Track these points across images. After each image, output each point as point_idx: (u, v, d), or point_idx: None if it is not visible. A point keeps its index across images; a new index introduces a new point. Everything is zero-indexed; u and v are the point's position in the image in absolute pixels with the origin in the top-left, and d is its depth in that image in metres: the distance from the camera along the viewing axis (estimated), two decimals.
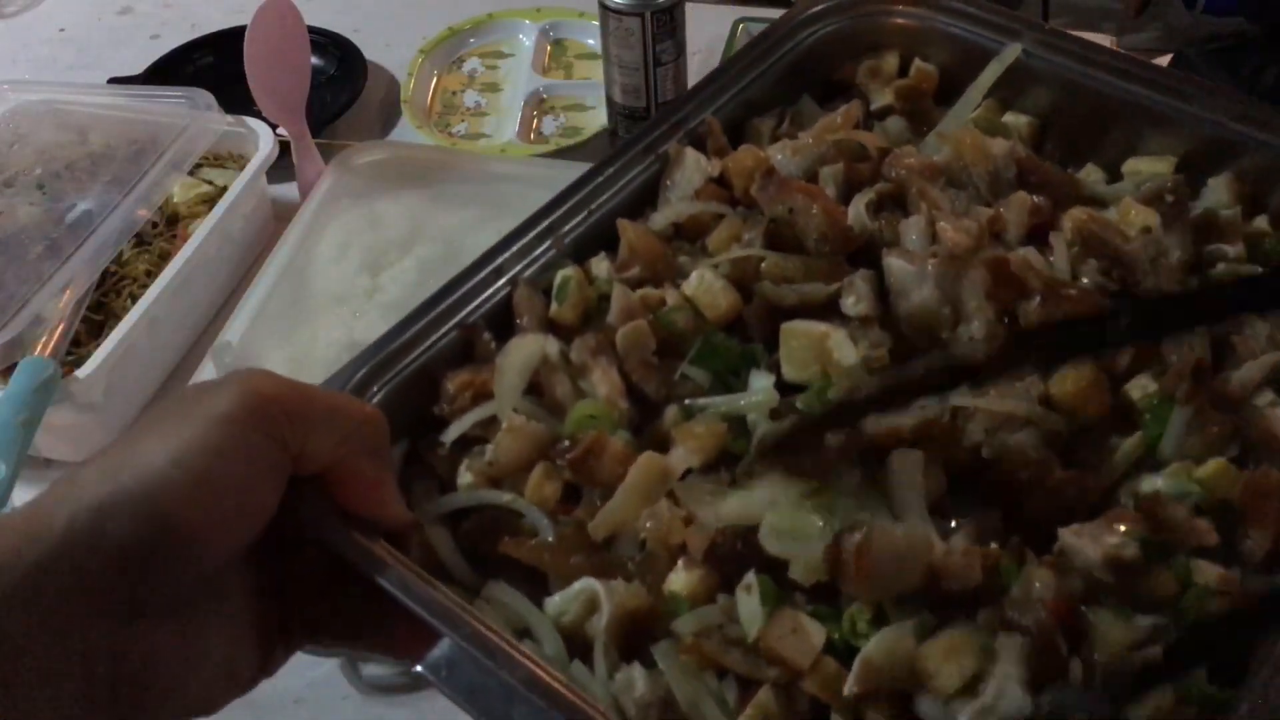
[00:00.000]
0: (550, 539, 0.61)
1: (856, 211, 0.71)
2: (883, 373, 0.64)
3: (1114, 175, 0.78)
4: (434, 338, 0.67)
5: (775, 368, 0.67)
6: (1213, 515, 0.57)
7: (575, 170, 1.11)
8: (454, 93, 1.40)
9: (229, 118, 1.20)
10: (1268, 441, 0.60)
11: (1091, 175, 0.78)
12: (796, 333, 0.66)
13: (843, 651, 0.56)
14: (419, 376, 0.66)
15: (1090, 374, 0.63)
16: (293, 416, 0.53)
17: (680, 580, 0.58)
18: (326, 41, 1.43)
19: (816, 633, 0.55)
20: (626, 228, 0.71)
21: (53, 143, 1.18)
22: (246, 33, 1.17)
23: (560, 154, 1.26)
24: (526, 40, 1.44)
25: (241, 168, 1.17)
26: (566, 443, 0.62)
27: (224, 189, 1.16)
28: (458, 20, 1.46)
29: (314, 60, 1.29)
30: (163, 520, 0.49)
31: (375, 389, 0.65)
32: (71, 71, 1.55)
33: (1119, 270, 0.68)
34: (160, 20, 1.63)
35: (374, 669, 0.89)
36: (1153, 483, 0.60)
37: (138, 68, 1.45)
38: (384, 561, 0.55)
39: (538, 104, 1.35)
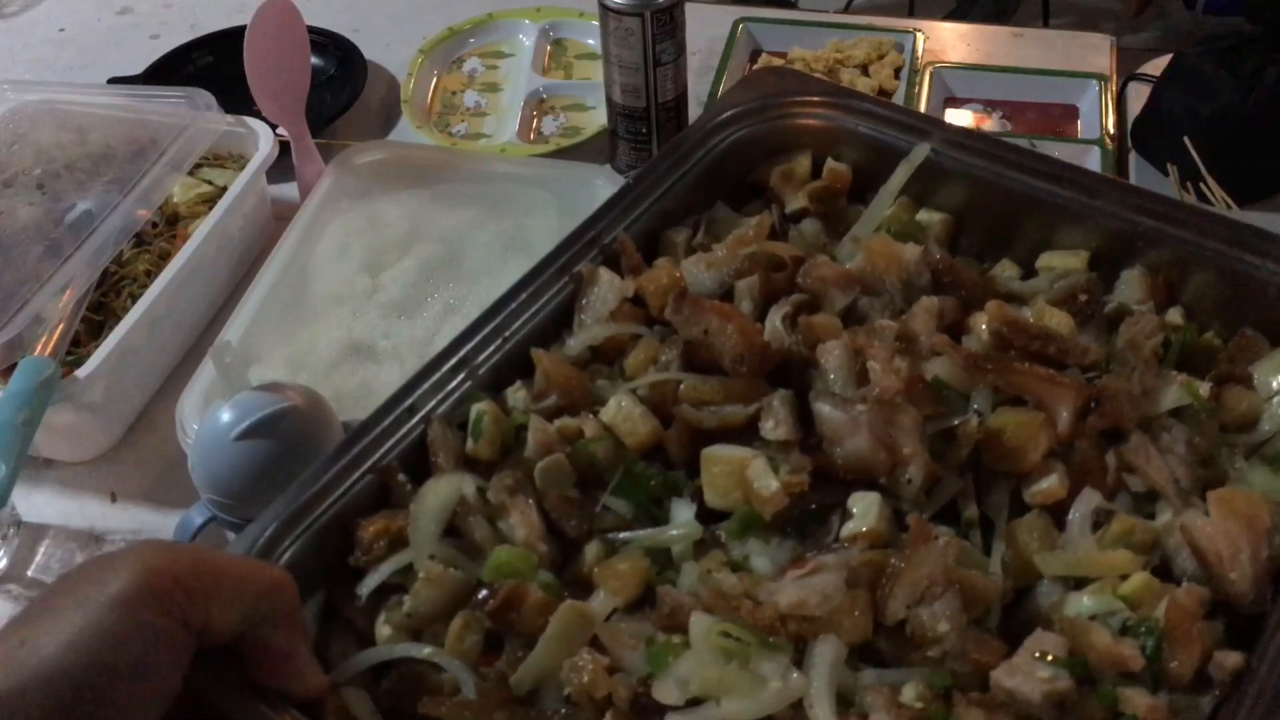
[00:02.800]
0: (471, 696, 0.59)
1: (773, 326, 0.71)
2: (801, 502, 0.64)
3: (1029, 270, 0.78)
4: (347, 484, 0.65)
5: (697, 494, 0.66)
6: (1136, 634, 0.57)
7: (575, 170, 1.15)
8: (454, 93, 1.40)
9: (229, 118, 1.20)
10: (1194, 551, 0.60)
11: (1006, 271, 0.78)
12: (717, 459, 0.65)
13: None
14: (333, 526, 0.64)
15: (1032, 419, 0.64)
16: (192, 592, 0.52)
17: None
18: (326, 41, 1.43)
19: None
20: (541, 358, 0.70)
21: (52, 143, 1.17)
22: (246, 33, 1.16)
23: (560, 154, 1.26)
24: (526, 40, 1.44)
25: (241, 168, 1.17)
26: (485, 593, 0.61)
27: (224, 189, 1.16)
28: (458, 20, 1.46)
29: (314, 60, 1.29)
30: (64, 715, 0.48)
31: (287, 543, 0.63)
32: (71, 71, 1.55)
33: (1055, 350, 0.68)
34: (160, 20, 1.63)
35: None
36: (1078, 603, 0.60)
37: (138, 68, 1.45)
38: None
39: (538, 104, 1.35)
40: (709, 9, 1.46)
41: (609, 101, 1.17)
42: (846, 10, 2.46)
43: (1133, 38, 1.32)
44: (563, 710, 0.58)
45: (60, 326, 1.00)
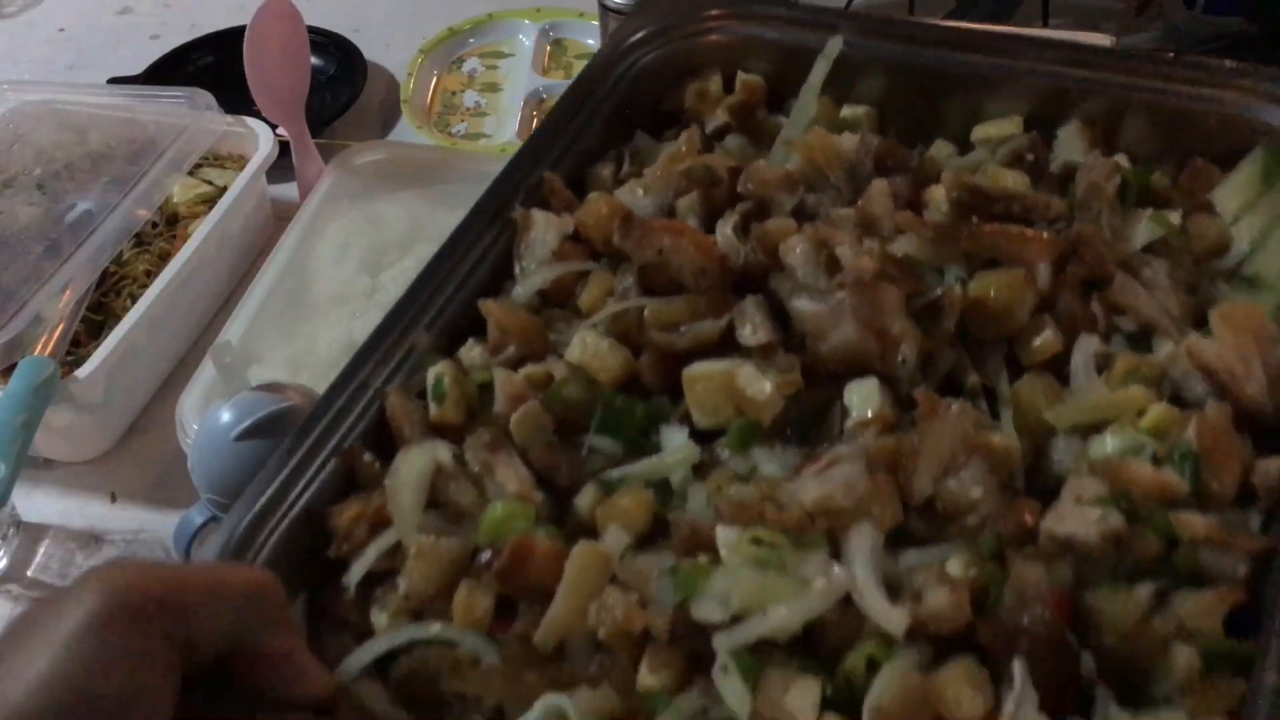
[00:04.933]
0: (496, 662, 0.54)
1: (725, 237, 0.67)
2: (798, 398, 0.60)
3: (965, 147, 0.77)
4: (310, 473, 0.60)
5: (685, 418, 0.62)
6: (1171, 462, 0.55)
7: None
8: (454, 93, 1.39)
9: (229, 118, 1.20)
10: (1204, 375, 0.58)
11: (943, 151, 0.76)
12: (700, 377, 0.61)
13: (842, 703, 0.51)
14: (302, 520, 0.59)
15: (1014, 277, 0.62)
16: (168, 607, 0.46)
17: (653, 671, 0.52)
18: (326, 41, 1.42)
19: (811, 688, 0.50)
20: (491, 308, 0.65)
21: (53, 143, 1.17)
22: (246, 33, 1.16)
23: None
24: (526, 40, 1.43)
25: (241, 168, 1.16)
26: (488, 553, 0.56)
27: (224, 189, 1.15)
28: (458, 20, 1.46)
29: (314, 60, 1.28)
30: None
31: (258, 545, 0.57)
32: (71, 71, 1.54)
33: (1019, 208, 0.66)
34: (160, 20, 1.62)
35: None
36: (1103, 444, 0.57)
37: (138, 68, 1.45)
38: None
39: (538, 104, 1.34)
40: None
41: None
42: (847, 10, 2.48)
43: (1133, 38, 1.33)
44: (596, 659, 0.54)
45: (60, 326, 1.00)
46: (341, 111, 1.34)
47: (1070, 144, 0.73)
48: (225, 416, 0.81)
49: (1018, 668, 0.49)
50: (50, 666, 0.43)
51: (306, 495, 0.59)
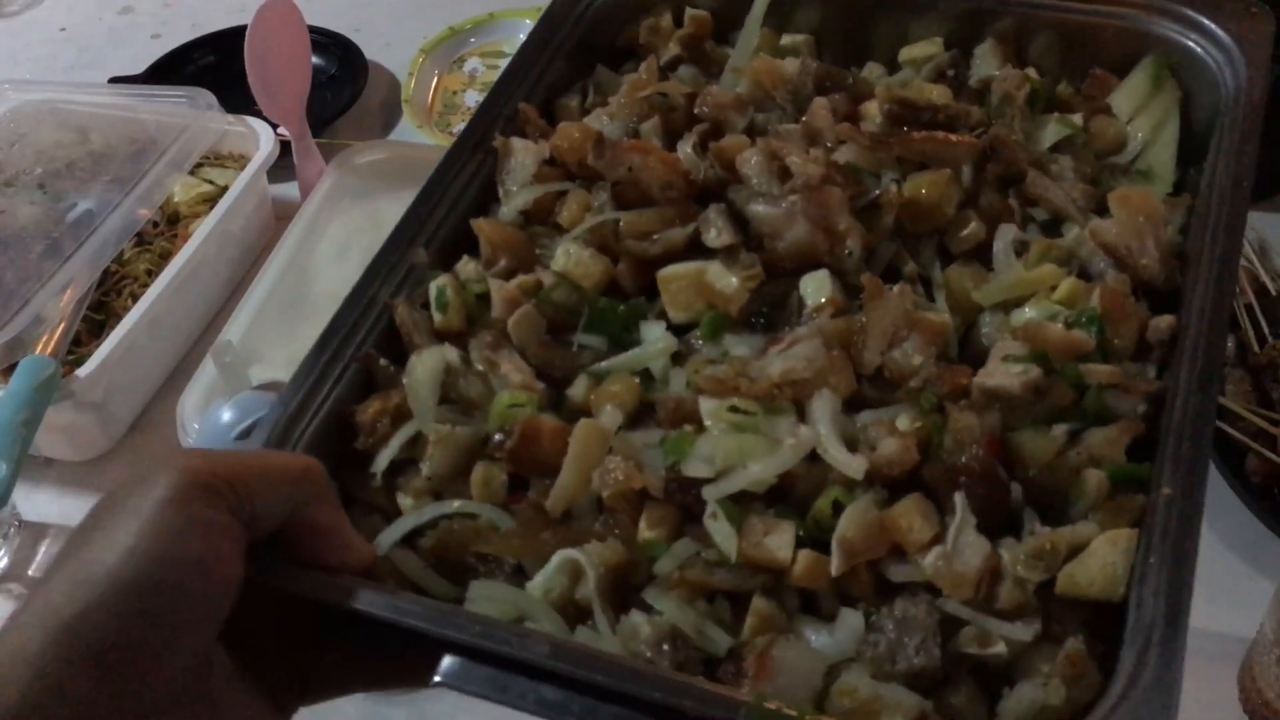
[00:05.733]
0: (515, 527, 0.62)
1: (685, 154, 0.75)
2: (760, 291, 0.69)
3: (893, 67, 0.85)
4: (333, 378, 0.67)
5: (661, 315, 0.71)
6: (1079, 324, 0.65)
7: None
8: (455, 92, 1.39)
9: (229, 117, 1.20)
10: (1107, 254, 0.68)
11: (874, 72, 0.85)
12: (673, 277, 0.70)
13: (813, 542, 0.60)
14: (330, 420, 0.66)
15: (942, 176, 0.70)
16: (234, 484, 0.53)
17: (651, 526, 0.61)
18: (327, 41, 1.42)
19: (787, 530, 0.59)
20: (483, 226, 0.73)
21: (53, 142, 1.17)
22: (247, 32, 1.16)
23: None
24: None
25: (242, 167, 1.16)
26: (500, 436, 0.64)
27: (225, 188, 1.15)
28: (458, 20, 1.46)
29: (314, 60, 1.29)
30: (139, 618, 0.49)
31: (293, 442, 0.64)
32: (72, 71, 1.55)
33: (943, 116, 0.75)
34: (161, 20, 1.62)
35: None
36: (1022, 314, 0.67)
37: (138, 67, 1.45)
38: (373, 593, 0.56)
39: None
40: None
41: None
42: None
43: None
44: (601, 519, 0.62)
45: (61, 326, 1.00)
46: (342, 111, 1.35)
47: (986, 60, 0.81)
48: (226, 416, 0.83)
49: (959, 499, 0.58)
50: (139, 535, 0.50)
51: (331, 398, 0.67)
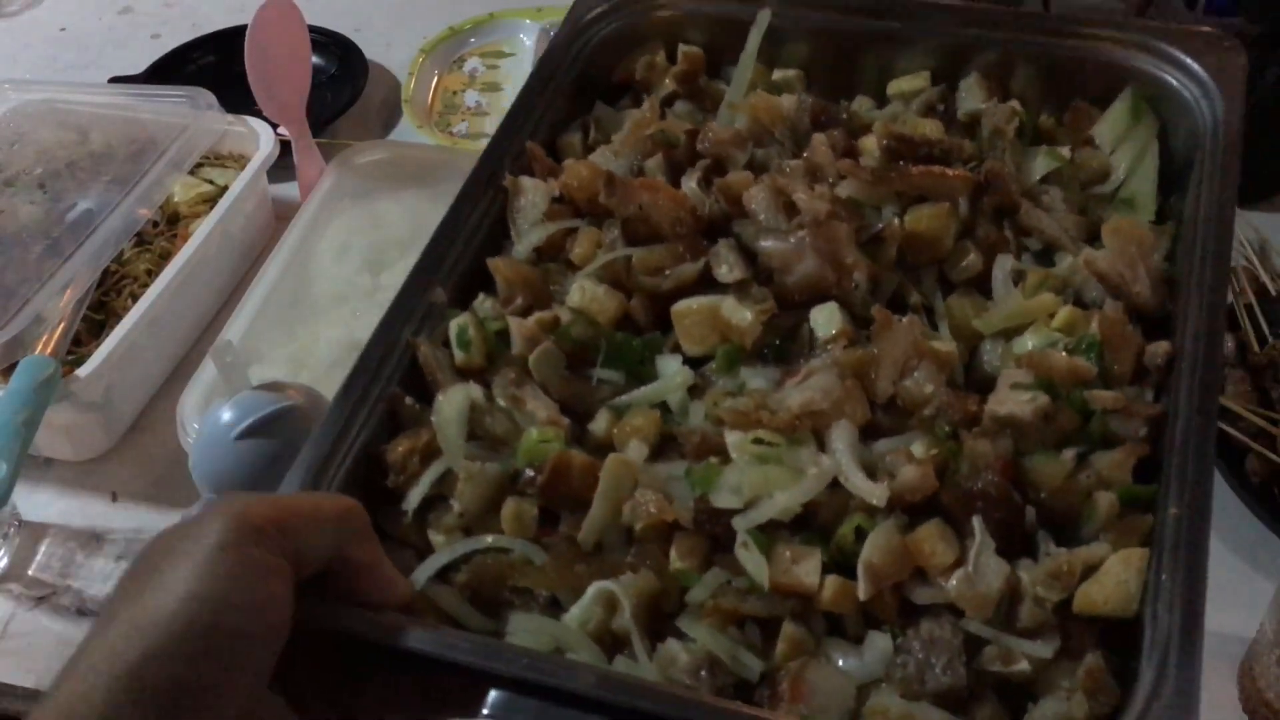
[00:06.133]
0: (549, 560, 0.64)
1: (691, 190, 0.78)
2: (772, 323, 0.71)
3: (881, 100, 0.88)
4: (362, 418, 0.69)
5: (675, 348, 0.73)
6: (1079, 351, 0.68)
7: None
8: (455, 92, 1.39)
9: (229, 117, 1.20)
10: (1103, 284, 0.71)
11: (864, 105, 0.88)
12: (687, 312, 0.72)
13: (837, 567, 0.62)
14: (360, 459, 0.68)
15: (941, 210, 0.74)
16: (282, 528, 0.55)
17: (681, 556, 0.63)
18: (327, 41, 1.42)
19: (814, 557, 0.62)
20: (499, 265, 0.75)
21: (53, 142, 1.16)
22: (247, 32, 1.15)
23: None
24: (527, 40, 1.42)
25: (242, 167, 1.16)
26: (531, 472, 0.66)
27: (225, 188, 1.15)
28: (459, 20, 1.46)
29: (314, 60, 1.28)
30: (199, 661, 0.50)
31: (327, 483, 0.66)
32: (72, 71, 1.54)
33: (939, 151, 0.78)
34: (161, 20, 1.63)
35: None
36: (1024, 342, 0.70)
37: (138, 67, 1.45)
38: (420, 630, 0.57)
39: None
40: None
41: None
42: None
43: None
44: (632, 551, 0.64)
45: (61, 326, 1.00)
46: (342, 111, 1.35)
47: (971, 94, 0.85)
48: (226, 416, 0.82)
49: (977, 523, 0.61)
50: (196, 579, 0.51)
51: (361, 437, 0.68)
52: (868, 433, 0.67)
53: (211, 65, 1.46)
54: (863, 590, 0.60)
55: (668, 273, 0.74)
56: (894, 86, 0.87)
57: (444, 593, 0.64)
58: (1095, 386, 0.66)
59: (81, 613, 1.00)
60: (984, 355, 0.72)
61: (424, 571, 0.65)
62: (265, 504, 0.55)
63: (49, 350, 0.99)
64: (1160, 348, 0.67)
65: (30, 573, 1.00)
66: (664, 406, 0.70)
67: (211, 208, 1.13)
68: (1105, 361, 0.67)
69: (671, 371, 0.71)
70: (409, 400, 0.70)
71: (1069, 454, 0.63)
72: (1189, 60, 0.79)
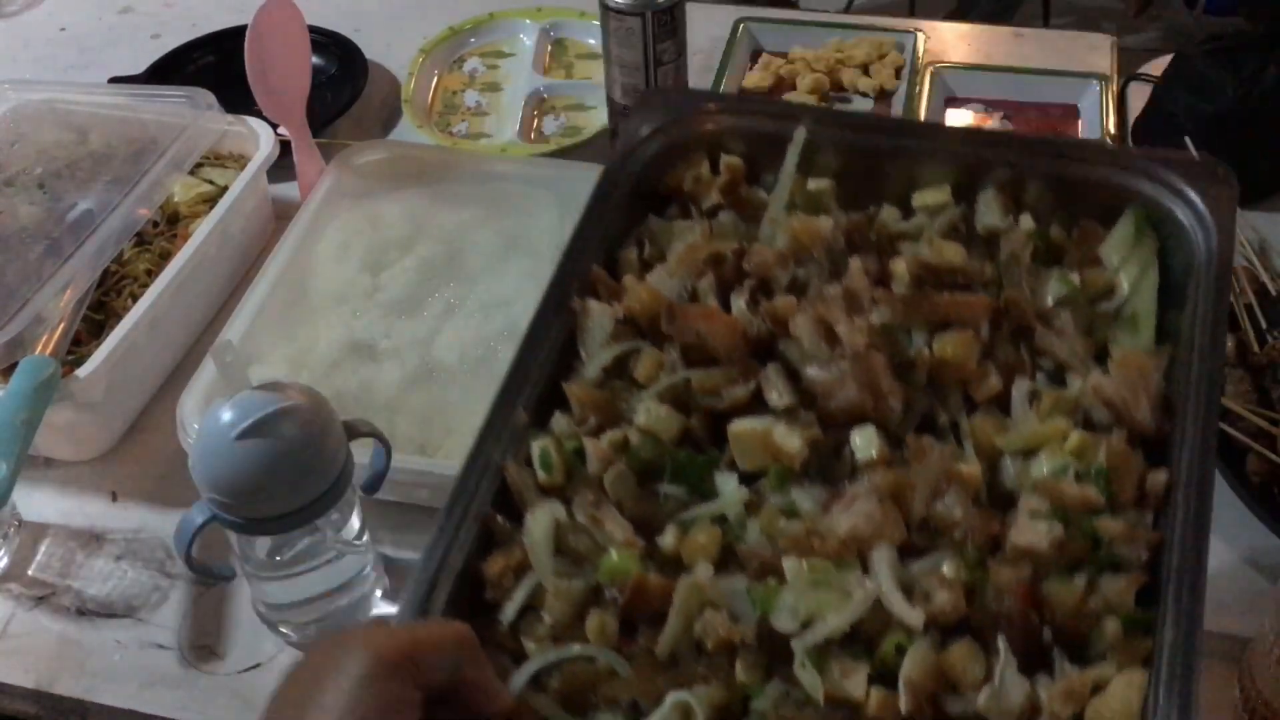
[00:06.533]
0: (628, 673, 0.74)
1: (739, 310, 0.87)
2: (817, 448, 0.81)
3: (906, 208, 0.96)
4: (460, 539, 0.78)
5: (731, 464, 0.82)
6: (1089, 478, 0.78)
7: (576, 170, 1.14)
8: (455, 92, 1.40)
9: (229, 117, 1.19)
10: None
11: (889, 214, 0.96)
12: (742, 433, 0.81)
13: (880, 680, 0.72)
14: (461, 576, 0.77)
15: (965, 337, 0.83)
16: (415, 660, 0.64)
17: (745, 670, 0.73)
18: (327, 41, 1.42)
19: (861, 671, 0.72)
20: (573, 389, 0.84)
21: (53, 142, 1.15)
22: (247, 32, 1.15)
23: (561, 154, 1.26)
24: (527, 40, 1.43)
25: (242, 167, 1.16)
26: (613, 593, 0.75)
27: (225, 188, 1.15)
28: (458, 20, 1.46)
29: (314, 60, 1.27)
30: None
31: (436, 604, 0.75)
32: (72, 71, 1.54)
33: (961, 277, 0.87)
34: (161, 20, 1.62)
35: None
36: (1040, 466, 0.79)
37: (138, 67, 1.45)
38: None
39: (538, 104, 1.35)
40: (710, 9, 1.48)
41: (610, 101, 1.19)
42: (847, 10, 2.45)
43: (1133, 38, 1.36)
44: (702, 661, 0.74)
45: (61, 326, 1.00)
46: (342, 111, 1.35)
47: (989, 208, 0.93)
48: (226, 416, 0.81)
49: (1001, 643, 0.71)
50: (346, 709, 0.60)
51: (461, 554, 0.77)
52: (904, 551, 0.77)
53: (211, 65, 1.45)
54: (904, 704, 0.70)
55: (723, 394, 0.84)
56: (918, 199, 0.95)
57: (539, 699, 0.74)
58: (1102, 513, 0.76)
59: (81, 613, 1.02)
60: (1004, 470, 0.81)
61: (521, 676, 0.74)
62: (398, 638, 0.65)
63: (49, 350, 0.98)
64: (1159, 478, 0.77)
65: (30, 573, 1.01)
66: (722, 519, 0.80)
67: (211, 208, 1.12)
68: (1112, 489, 0.76)
69: (730, 489, 0.80)
70: (501, 519, 0.79)
71: (1080, 580, 0.73)
72: (1186, 188, 0.88)
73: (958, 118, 1.36)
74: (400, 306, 1.11)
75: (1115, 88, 1.33)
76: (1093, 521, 0.75)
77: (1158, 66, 1.31)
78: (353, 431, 0.93)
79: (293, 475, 0.86)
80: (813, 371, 0.82)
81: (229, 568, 1.01)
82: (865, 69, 1.41)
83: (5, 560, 1.02)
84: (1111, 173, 0.91)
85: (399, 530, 1.07)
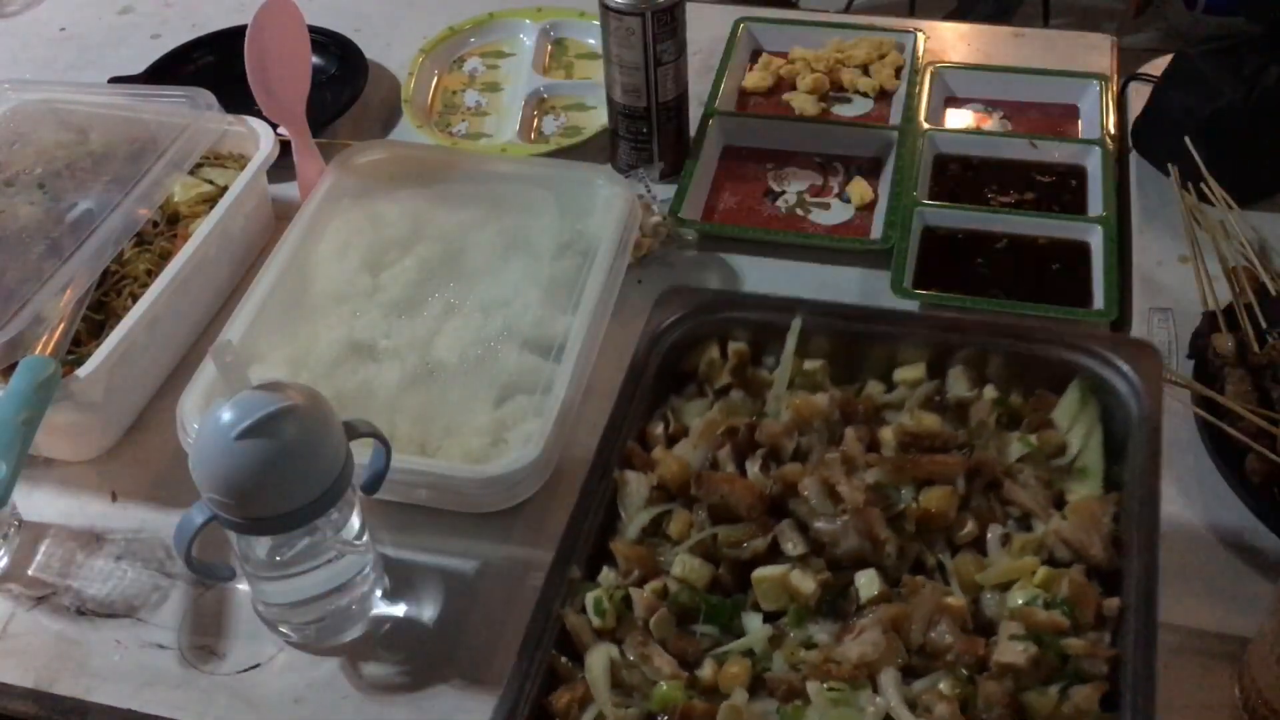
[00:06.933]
0: None
1: (754, 474, 1.03)
2: (828, 588, 0.96)
3: (888, 382, 1.14)
4: (530, 677, 0.92)
5: (754, 604, 0.97)
6: (1055, 605, 0.93)
7: (576, 170, 1.17)
8: (454, 92, 1.40)
9: (229, 117, 1.19)
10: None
11: (875, 388, 1.13)
12: (764, 579, 0.96)
13: None
14: (535, 709, 0.91)
15: (946, 492, 0.99)
16: None
17: None
18: (327, 41, 1.42)
19: None
20: (619, 547, 0.99)
21: (53, 142, 1.15)
22: (247, 32, 1.15)
23: (561, 154, 1.28)
24: (527, 40, 1.43)
25: (242, 167, 1.16)
26: (666, 718, 0.89)
27: (224, 188, 1.14)
28: (458, 20, 1.46)
29: (314, 60, 1.26)
30: None
31: None
32: (72, 71, 1.53)
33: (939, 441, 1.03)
34: (161, 20, 1.62)
35: (374, 668, 0.96)
36: (1014, 597, 0.95)
37: (138, 67, 1.44)
38: None
39: (538, 104, 1.35)
40: (710, 9, 1.49)
41: (610, 101, 1.20)
42: (847, 10, 2.45)
43: (1133, 38, 1.28)
44: None
45: (61, 326, 0.98)
46: (342, 111, 1.34)
47: (958, 381, 1.10)
48: (225, 416, 0.81)
49: None
50: None
51: (534, 692, 0.91)
52: (906, 672, 0.91)
53: (211, 65, 1.43)
54: None
55: (745, 545, 0.99)
56: (898, 375, 1.13)
57: None
58: (1068, 634, 0.91)
59: (81, 613, 1.01)
60: (985, 601, 0.97)
61: None
62: None
63: (49, 350, 0.97)
64: (1113, 603, 0.93)
65: (30, 573, 1.00)
66: (750, 652, 0.95)
67: (211, 208, 1.11)
68: (1074, 614, 0.92)
69: (756, 627, 0.95)
70: (564, 659, 0.94)
71: (1054, 690, 0.88)
72: (1120, 362, 1.06)
73: (958, 118, 1.38)
74: (400, 306, 1.10)
75: (1115, 88, 1.33)
76: (1060, 642, 0.90)
77: (1158, 66, 1.30)
78: (353, 431, 0.93)
79: (293, 475, 0.85)
80: (820, 524, 0.98)
81: (229, 568, 1.01)
82: (865, 69, 1.42)
83: (5, 560, 1.00)
84: (1059, 350, 1.09)
85: (399, 530, 1.08)
